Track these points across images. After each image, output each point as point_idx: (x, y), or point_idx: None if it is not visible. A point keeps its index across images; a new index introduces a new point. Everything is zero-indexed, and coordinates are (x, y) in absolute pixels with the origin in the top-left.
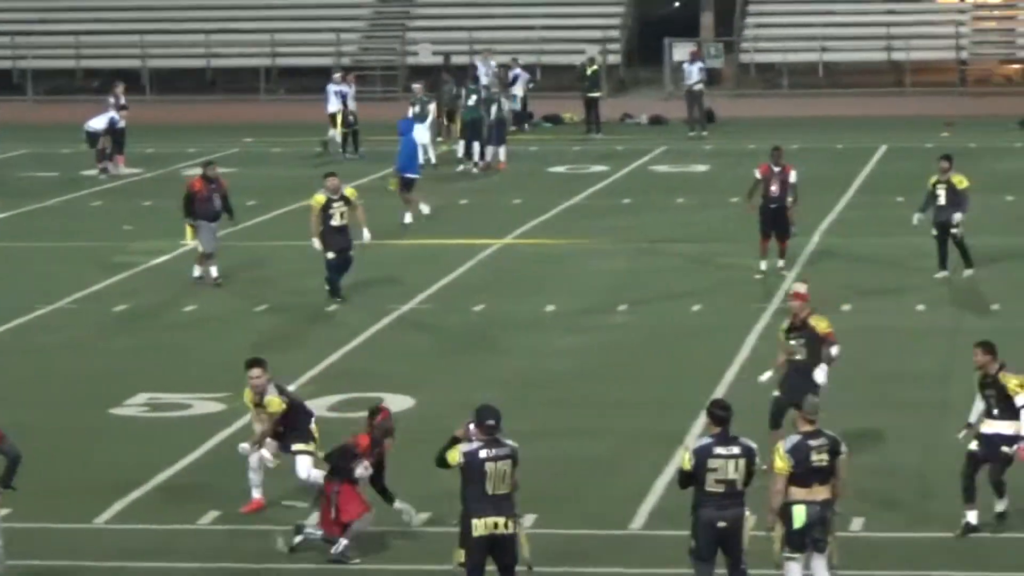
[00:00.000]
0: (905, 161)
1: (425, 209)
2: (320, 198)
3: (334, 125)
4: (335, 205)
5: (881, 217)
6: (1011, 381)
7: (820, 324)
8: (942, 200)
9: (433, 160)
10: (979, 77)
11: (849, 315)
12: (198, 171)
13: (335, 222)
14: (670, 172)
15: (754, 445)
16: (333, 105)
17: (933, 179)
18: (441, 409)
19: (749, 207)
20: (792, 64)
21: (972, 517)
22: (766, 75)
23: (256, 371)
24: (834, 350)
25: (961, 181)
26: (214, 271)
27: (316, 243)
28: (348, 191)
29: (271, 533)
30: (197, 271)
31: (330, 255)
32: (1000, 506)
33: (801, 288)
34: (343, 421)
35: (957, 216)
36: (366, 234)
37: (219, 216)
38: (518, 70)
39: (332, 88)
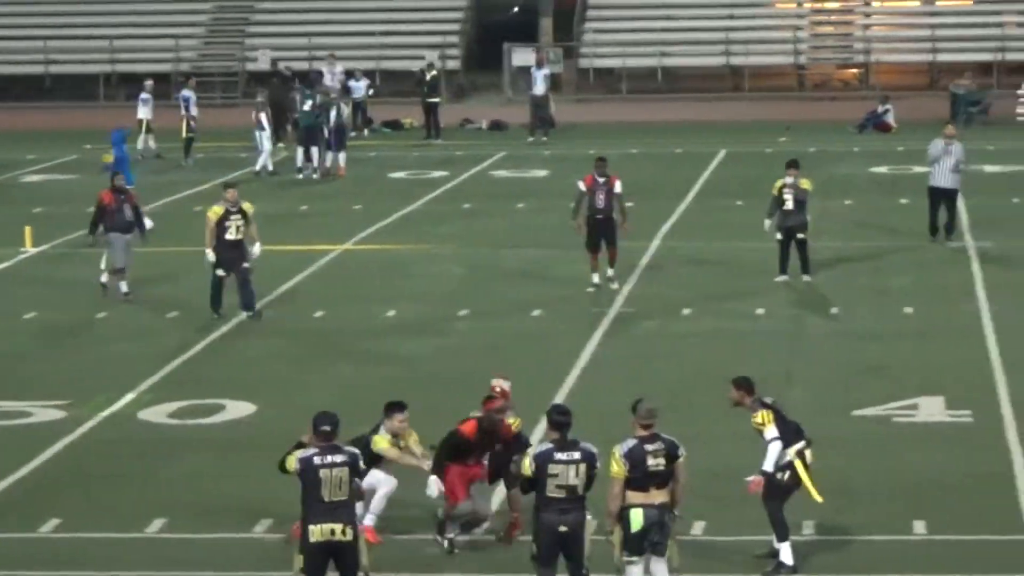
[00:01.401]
0: (744, 165)
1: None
2: (218, 210)
3: (142, 131)
4: (232, 218)
5: (720, 221)
6: (755, 417)
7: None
8: (789, 205)
9: (270, 168)
10: (817, 82)
11: (689, 319)
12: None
13: (230, 236)
14: (510, 177)
15: (595, 449)
16: (143, 112)
17: (779, 184)
18: (282, 415)
19: (576, 226)
20: (631, 69)
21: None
22: (605, 80)
23: (401, 415)
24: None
25: (806, 184)
26: (123, 286)
27: (210, 255)
28: (246, 205)
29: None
30: (104, 278)
31: (220, 272)
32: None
33: (504, 384)
34: (184, 428)
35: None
36: (256, 249)
37: (131, 228)
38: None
39: (143, 96)
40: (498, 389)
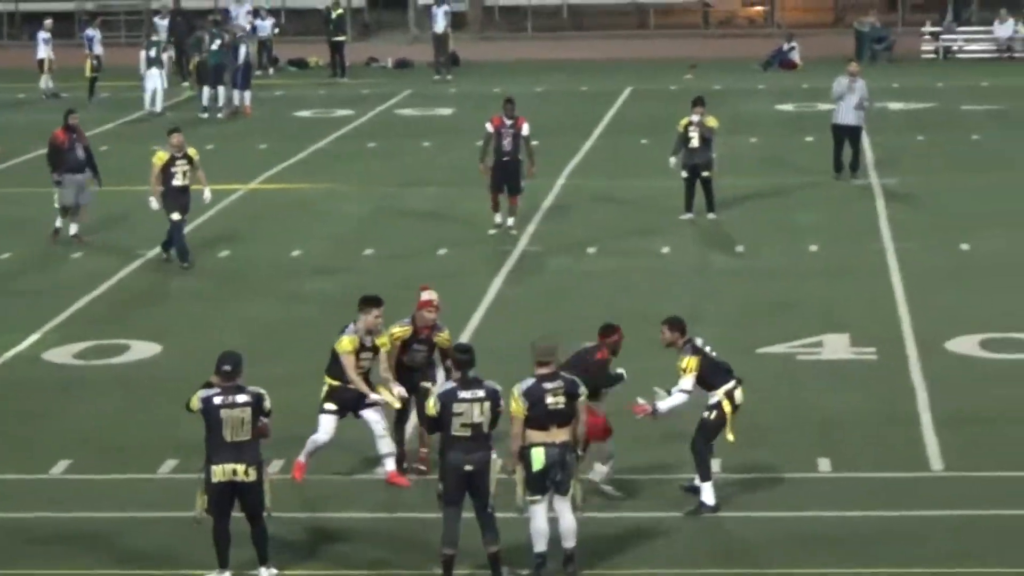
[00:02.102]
0: (650, 103)
1: None
2: (163, 155)
3: (42, 71)
4: (178, 163)
5: (626, 159)
6: (681, 362)
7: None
8: (695, 143)
9: (159, 109)
10: (722, 19)
11: (595, 257)
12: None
13: (177, 181)
14: (415, 116)
15: (498, 387)
16: (42, 51)
17: (684, 121)
18: (188, 356)
19: (483, 168)
20: (536, 7)
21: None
22: (510, 18)
23: (377, 310)
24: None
25: (712, 122)
26: (73, 227)
27: (154, 203)
28: (191, 150)
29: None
30: (59, 222)
31: (175, 216)
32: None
33: (431, 296)
34: (89, 368)
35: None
36: (207, 194)
37: (83, 168)
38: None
39: (42, 35)
40: (434, 302)
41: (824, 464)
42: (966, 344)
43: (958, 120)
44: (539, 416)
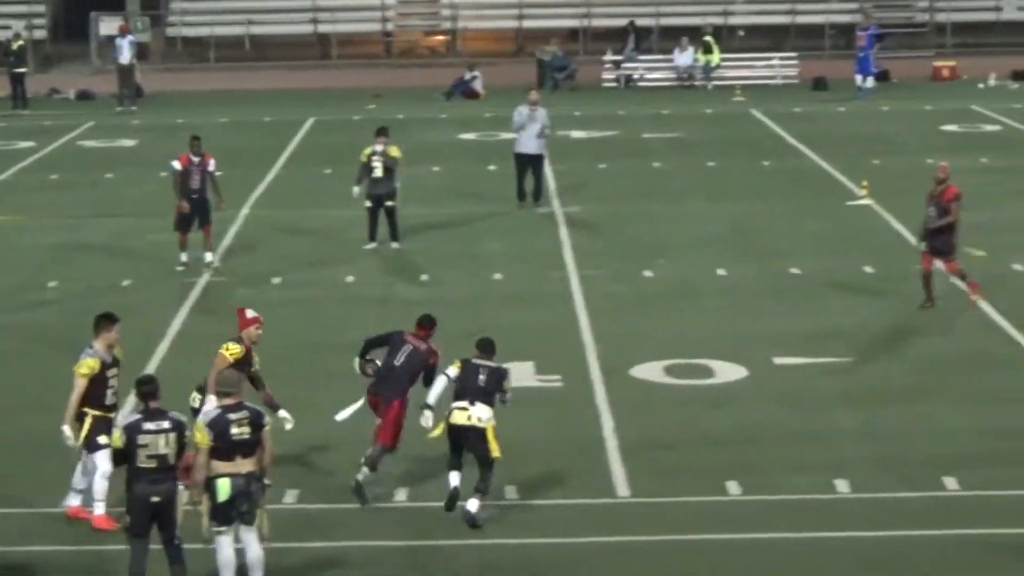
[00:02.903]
0: (333, 133)
1: None
2: None
3: None
4: None
5: (310, 189)
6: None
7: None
8: (378, 172)
9: None
10: (404, 49)
11: (280, 287)
12: None
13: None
14: (99, 148)
15: (183, 418)
16: None
17: (367, 151)
18: None
19: (184, 206)
20: (220, 38)
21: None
22: (193, 49)
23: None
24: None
25: (395, 152)
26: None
27: None
28: None
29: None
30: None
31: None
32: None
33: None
34: None
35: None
36: None
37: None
38: None
39: None
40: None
41: (511, 491)
42: (650, 370)
43: (639, 148)
44: (224, 446)
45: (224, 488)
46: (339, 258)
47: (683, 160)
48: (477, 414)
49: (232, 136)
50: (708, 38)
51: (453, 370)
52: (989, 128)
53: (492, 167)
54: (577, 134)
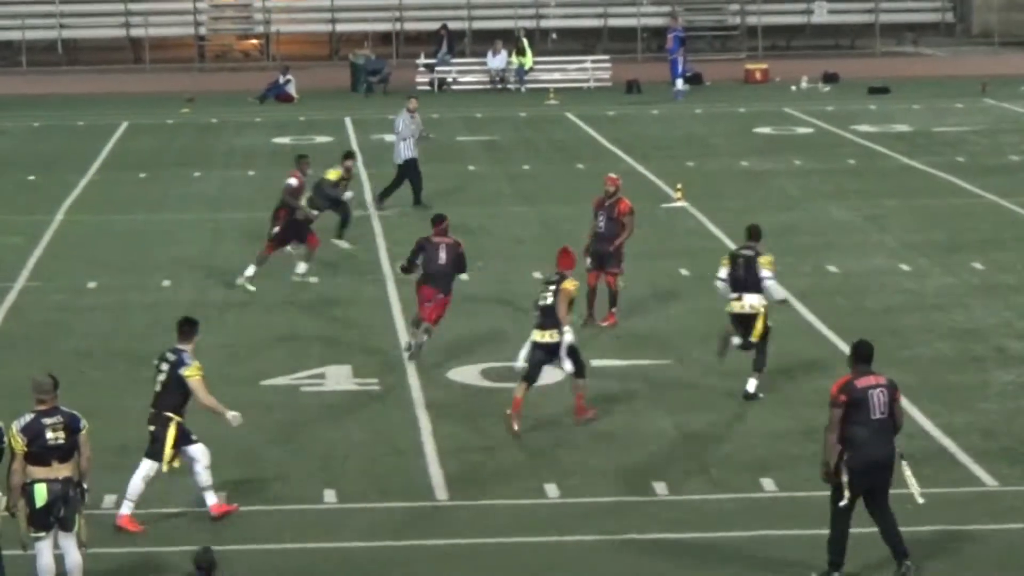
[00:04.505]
0: (147, 137)
1: None
2: None
3: None
4: None
5: (124, 194)
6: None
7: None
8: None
9: None
10: (218, 52)
11: (95, 292)
12: None
13: None
14: None
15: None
16: None
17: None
18: None
19: (311, 214)
20: (31, 42)
21: None
22: (4, 53)
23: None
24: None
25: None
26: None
27: None
28: None
29: None
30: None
31: None
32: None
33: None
34: None
35: None
36: None
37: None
38: None
39: None
40: None
41: (330, 495)
42: (466, 373)
43: (454, 151)
44: (39, 451)
45: (40, 493)
46: (154, 263)
47: (497, 163)
48: None
49: (45, 141)
50: (522, 41)
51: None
52: (801, 130)
53: (308, 171)
54: (391, 138)
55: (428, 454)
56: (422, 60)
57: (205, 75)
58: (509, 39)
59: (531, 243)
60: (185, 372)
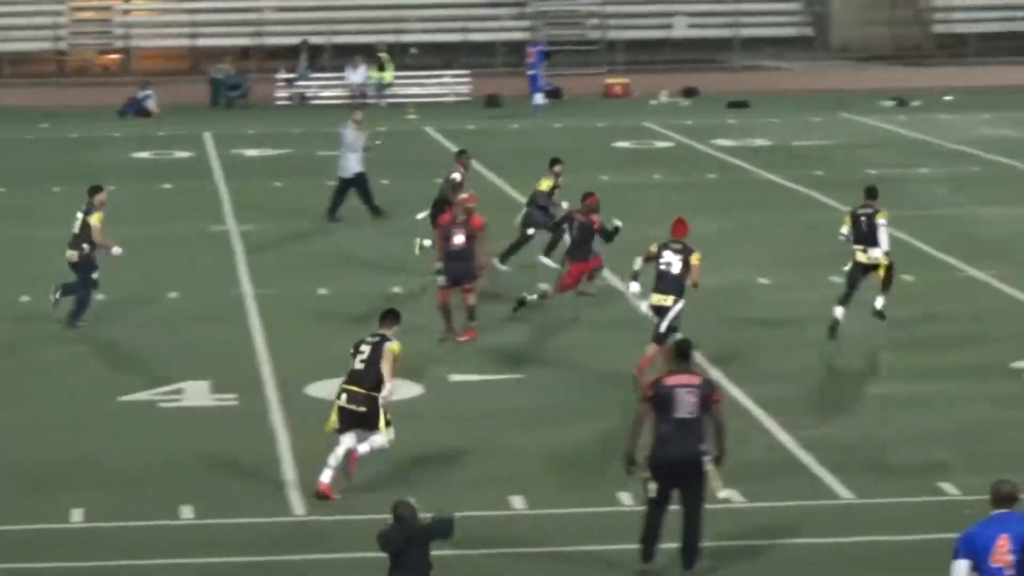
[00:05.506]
0: (5, 152)
1: None
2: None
3: None
4: None
5: None
6: None
7: None
8: None
9: None
10: (78, 67)
11: None
12: None
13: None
14: None
15: None
16: None
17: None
18: None
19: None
20: None
21: None
22: None
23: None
24: None
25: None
26: None
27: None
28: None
29: None
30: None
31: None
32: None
33: None
34: None
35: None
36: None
37: None
38: None
39: None
40: None
41: (187, 511)
42: (326, 388)
43: (314, 166)
44: None
45: None
46: (15, 279)
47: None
48: None
49: None
50: (382, 55)
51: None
52: (661, 144)
53: (167, 185)
54: (251, 152)
55: (286, 470)
56: (282, 75)
57: (65, 90)
58: (369, 54)
59: (391, 257)
60: (388, 345)
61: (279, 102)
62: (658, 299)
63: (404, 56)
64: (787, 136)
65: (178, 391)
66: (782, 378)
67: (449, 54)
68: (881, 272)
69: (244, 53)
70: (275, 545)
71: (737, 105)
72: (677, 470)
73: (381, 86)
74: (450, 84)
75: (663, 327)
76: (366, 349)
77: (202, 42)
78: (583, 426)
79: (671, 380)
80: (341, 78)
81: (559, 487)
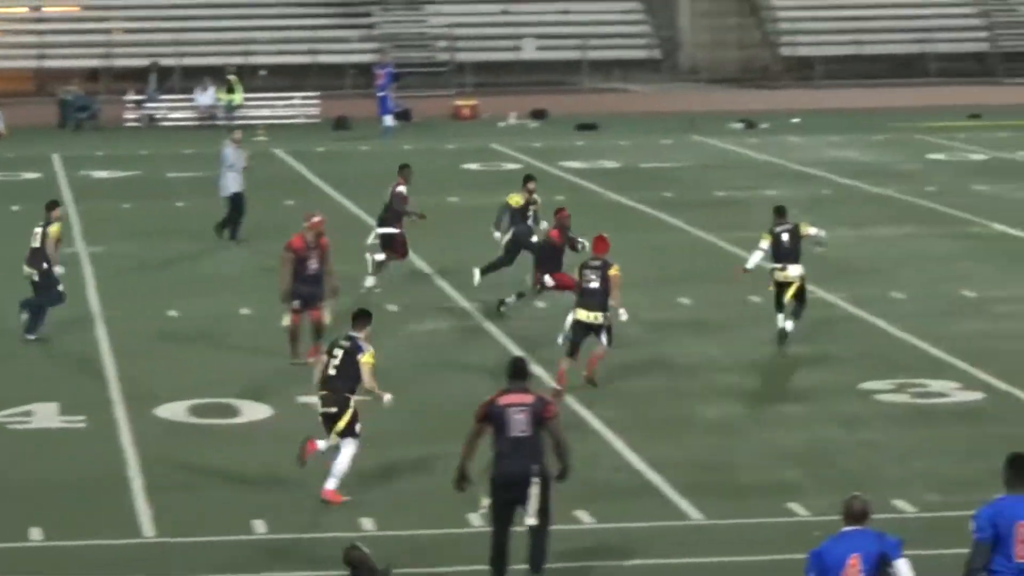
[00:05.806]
0: None
1: None
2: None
3: None
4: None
5: None
6: None
7: None
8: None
9: None
10: None
11: None
12: None
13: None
14: None
15: None
16: None
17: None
18: None
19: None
20: None
21: None
22: None
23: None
24: None
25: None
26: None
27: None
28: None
29: None
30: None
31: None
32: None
33: None
34: None
35: None
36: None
37: None
38: None
39: None
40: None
41: (36, 533)
42: (174, 410)
43: (163, 187)
44: None
45: None
46: None
47: (206, 199)
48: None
49: None
50: (231, 77)
51: None
52: (509, 166)
53: (15, 207)
54: (100, 174)
55: (135, 491)
56: (131, 96)
57: None
58: (219, 75)
59: (239, 280)
60: (361, 358)
61: (128, 124)
62: (583, 315)
63: (253, 78)
64: (636, 158)
65: (27, 413)
66: (630, 398)
67: (298, 76)
68: (791, 292)
69: (93, 74)
70: (124, 567)
71: (586, 127)
72: (513, 488)
73: (230, 108)
74: (299, 106)
75: (603, 341)
76: (339, 354)
77: (49, 63)
78: (428, 448)
79: (503, 400)
80: (190, 100)
81: (397, 507)
